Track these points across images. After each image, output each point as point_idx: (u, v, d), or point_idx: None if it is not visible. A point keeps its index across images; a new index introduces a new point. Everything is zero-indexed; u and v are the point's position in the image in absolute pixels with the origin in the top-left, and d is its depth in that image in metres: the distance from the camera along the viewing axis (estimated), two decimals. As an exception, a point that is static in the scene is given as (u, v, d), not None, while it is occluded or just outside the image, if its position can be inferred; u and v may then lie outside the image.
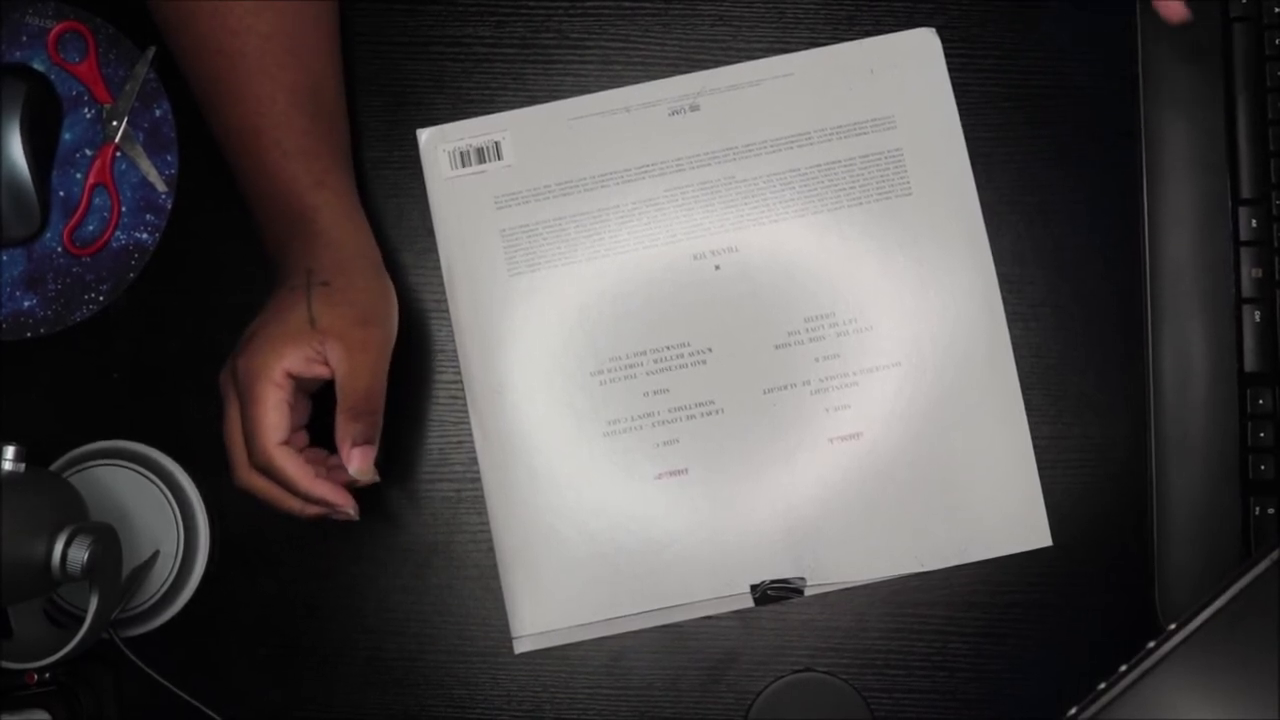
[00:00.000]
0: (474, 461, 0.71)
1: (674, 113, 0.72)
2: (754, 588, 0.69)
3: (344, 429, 0.61)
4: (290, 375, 0.61)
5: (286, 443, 0.61)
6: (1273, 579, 0.52)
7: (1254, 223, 0.69)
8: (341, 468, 0.62)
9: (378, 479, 0.63)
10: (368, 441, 0.62)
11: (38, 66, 0.73)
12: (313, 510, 0.62)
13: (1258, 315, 0.68)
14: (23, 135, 0.71)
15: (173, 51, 0.67)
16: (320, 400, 0.64)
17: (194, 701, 0.68)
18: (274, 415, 0.60)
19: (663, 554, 0.70)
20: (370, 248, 0.66)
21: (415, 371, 0.71)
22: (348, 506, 0.62)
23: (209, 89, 0.65)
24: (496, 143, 0.72)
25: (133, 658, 0.67)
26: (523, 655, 0.70)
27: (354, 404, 0.62)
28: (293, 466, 0.61)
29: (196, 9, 0.64)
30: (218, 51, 0.64)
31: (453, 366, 0.71)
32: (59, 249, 0.72)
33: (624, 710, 0.70)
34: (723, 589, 0.69)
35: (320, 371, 0.61)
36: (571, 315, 0.71)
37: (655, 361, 0.71)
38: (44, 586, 0.61)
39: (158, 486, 0.70)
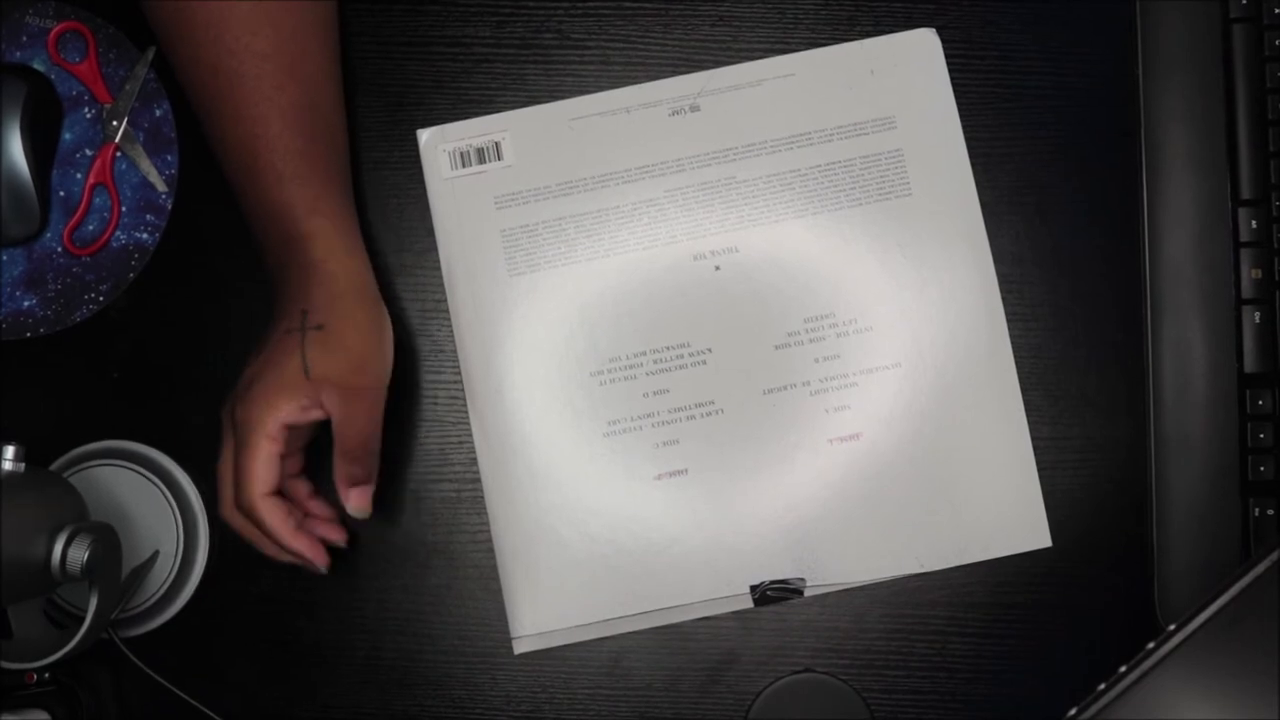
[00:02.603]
0: (474, 461, 0.71)
1: (674, 113, 0.72)
2: (754, 588, 0.69)
3: (341, 470, 0.63)
4: (285, 426, 0.62)
5: (274, 493, 0.63)
6: (1273, 579, 0.52)
7: (1254, 223, 0.69)
8: (324, 512, 0.66)
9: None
10: (366, 481, 0.64)
11: (38, 66, 0.73)
12: (288, 557, 0.65)
13: (1258, 316, 0.68)
14: (23, 135, 0.71)
15: (172, 66, 0.67)
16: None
17: (194, 701, 0.68)
18: (263, 468, 0.62)
19: (662, 555, 0.70)
20: (365, 278, 0.66)
21: (415, 371, 0.71)
22: (320, 564, 0.65)
23: (206, 107, 0.65)
24: (496, 143, 0.72)
25: (132, 658, 0.67)
26: (522, 656, 0.70)
27: (351, 448, 0.63)
28: (274, 519, 0.63)
29: (194, 26, 0.64)
30: (214, 70, 0.64)
31: (453, 366, 0.71)
32: (59, 249, 0.72)
33: (623, 711, 0.70)
34: (722, 590, 0.69)
35: (316, 416, 0.63)
36: (572, 315, 0.71)
37: (655, 362, 0.71)
38: (44, 586, 0.61)
39: (157, 486, 0.70)
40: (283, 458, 0.63)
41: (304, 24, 0.65)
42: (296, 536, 0.63)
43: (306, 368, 0.62)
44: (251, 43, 0.63)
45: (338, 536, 0.67)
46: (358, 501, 0.64)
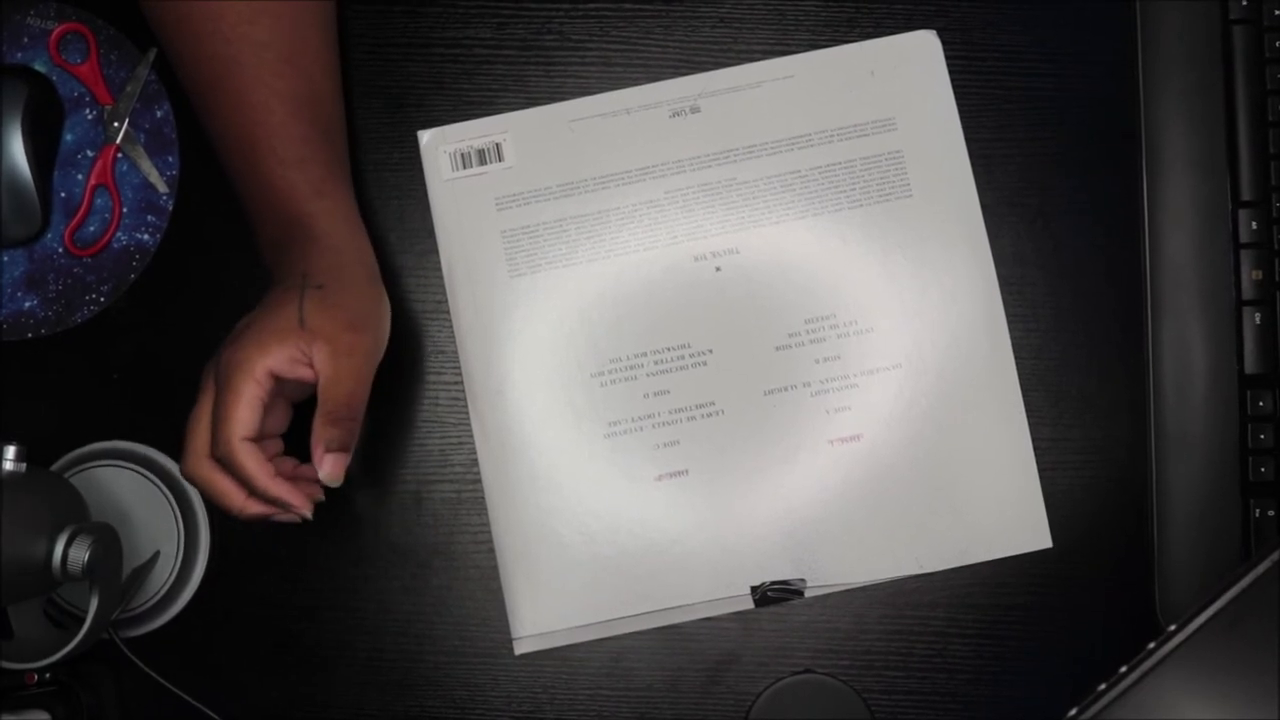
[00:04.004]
0: (474, 462, 0.71)
1: (675, 114, 0.72)
2: (754, 589, 0.69)
3: (320, 433, 0.61)
4: (272, 374, 0.60)
5: (253, 440, 0.60)
6: (1273, 580, 0.52)
7: (1254, 225, 0.69)
8: (308, 479, 0.62)
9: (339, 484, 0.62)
10: (343, 448, 0.61)
11: (39, 68, 0.73)
12: (254, 510, 0.61)
13: (1258, 317, 0.68)
14: (24, 136, 0.71)
15: (169, 58, 0.67)
16: (301, 410, 0.64)
17: (194, 701, 0.68)
18: (245, 410, 0.59)
19: (663, 555, 0.70)
20: (367, 255, 0.66)
21: (416, 372, 0.71)
22: (304, 508, 0.61)
23: (205, 97, 0.65)
24: (497, 144, 0.72)
25: (133, 658, 0.67)
26: (523, 656, 0.70)
27: (333, 409, 0.61)
28: (252, 462, 0.60)
29: (191, 16, 0.64)
30: (213, 59, 0.64)
31: (453, 367, 0.71)
32: (60, 250, 0.72)
33: (624, 711, 0.70)
34: (723, 590, 0.69)
35: (304, 373, 0.61)
36: (572, 316, 0.71)
37: (656, 363, 0.71)
38: (44, 586, 0.61)
39: (158, 487, 0.70)
40: (265, 408, 0.60)
41: (303, 15, 0.65)
42: (275, 482, 0.60)
43: (302, 318, 0.60)
44: (250, 32, 0.63)
45: (317, 491, 0.63)
46: (331, 468, 0.60)
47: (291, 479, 0.62)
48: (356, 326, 0.62)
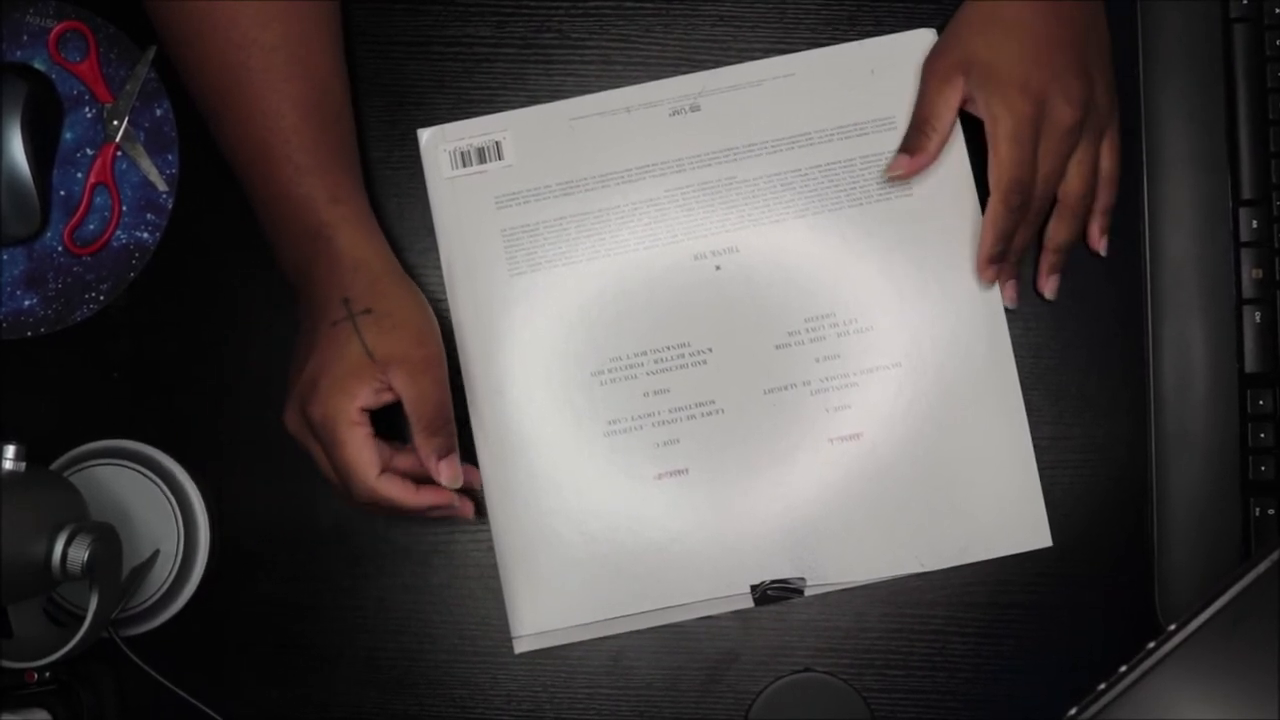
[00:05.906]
0: (474, 460, 0.70)
1: (675, 113, 0.72)
2: (754, 588, 0.69)
3: (425, 447, 0.63)
4: (363, 411, 0.62)
5: (383, 471, 0.63)
6: (1273, 579, 0.52)
7: (1254, 223, 0.69)
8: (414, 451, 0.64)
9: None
10: (450, 451, 0.64)
11: (39, 66, 0.73)
12: (424, 511, 0.65)
13: (1258, 316, 0.68)
14: (24, 135, 0.71)
15: (176, 66, 0.67)
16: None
17: (194, 701, 0.68)
18: (364, 454, 0.62)
19: (662, 554, 0.70)
20: (391, 259, 0.67)
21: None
22: (454, 501, 0.65)
23: (215, 104, 0.65)
24: (497, 142, 0.72)
25: (133, 657, 0.67)
26: (523, 655, 0.70)
27: (429, 423, 0.63)
28: (397, 491, 0.63)
29: (200, 27, 0.64)
30: (222, 66, 0.64)
31: (453, 366, 0.71)
32: (60, 248, 0.72)
33: (624, 710, 0.70)
34: (723, 589, 0.69)
35: (388, 399, 0.63)
36: (572, 315, 0.71)
37: (655, 361, 0.71)
38: (44, 585, 0.61)
39: (158, 486, 0.70)
40: (374, 440, 0.63)
41: (310, 17, 0.65)
42: (423, 494, 0.64)
43: (369, 351, 0.62)
44: (259, 36, 0.63)
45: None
46: (449, 472, 0.63)
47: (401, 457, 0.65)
48: (420, 340, 0.64)
